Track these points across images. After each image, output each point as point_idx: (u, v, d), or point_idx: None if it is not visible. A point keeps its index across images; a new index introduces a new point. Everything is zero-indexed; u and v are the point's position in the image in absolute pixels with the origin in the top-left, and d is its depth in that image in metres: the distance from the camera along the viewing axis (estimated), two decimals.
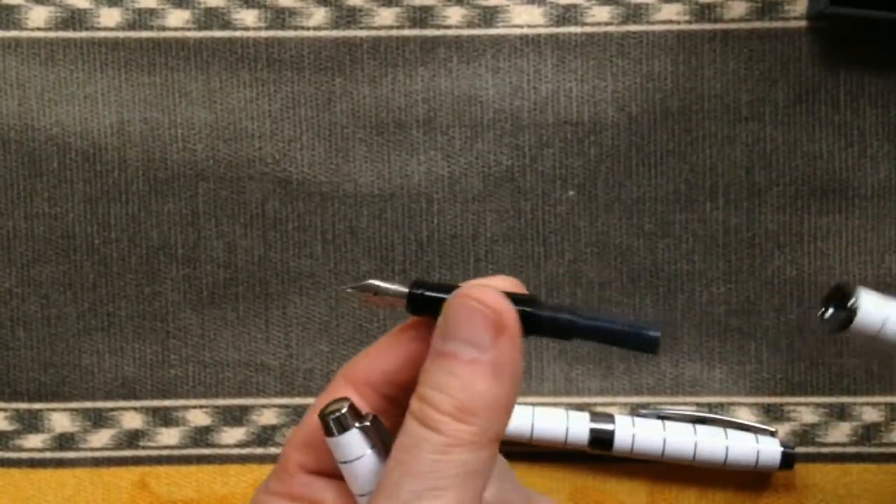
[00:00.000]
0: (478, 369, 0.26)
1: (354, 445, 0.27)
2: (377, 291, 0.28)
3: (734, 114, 0.45)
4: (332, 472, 0.29)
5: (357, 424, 0.27)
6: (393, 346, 0.29)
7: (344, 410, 0.27)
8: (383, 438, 0.28)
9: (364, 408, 0.28)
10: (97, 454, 0.45)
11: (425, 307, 0.27)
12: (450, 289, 0.27)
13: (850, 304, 0.34)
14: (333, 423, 0.27)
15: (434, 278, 0.45)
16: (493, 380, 0.26)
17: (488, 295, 0.26)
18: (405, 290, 0.28)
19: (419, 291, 0.27)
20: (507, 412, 0.26)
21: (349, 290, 0.28)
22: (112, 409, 0.46)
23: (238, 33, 0.45)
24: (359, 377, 0.29)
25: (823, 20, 0.44)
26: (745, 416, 0.45)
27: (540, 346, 0.45)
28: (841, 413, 0.45)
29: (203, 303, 0.45)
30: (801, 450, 0.45)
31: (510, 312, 0.26)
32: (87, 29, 0.45)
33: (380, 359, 0.29)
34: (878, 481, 0.45)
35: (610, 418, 0.44)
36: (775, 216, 0.45)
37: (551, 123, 0.45)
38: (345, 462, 0.27)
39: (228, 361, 0.45)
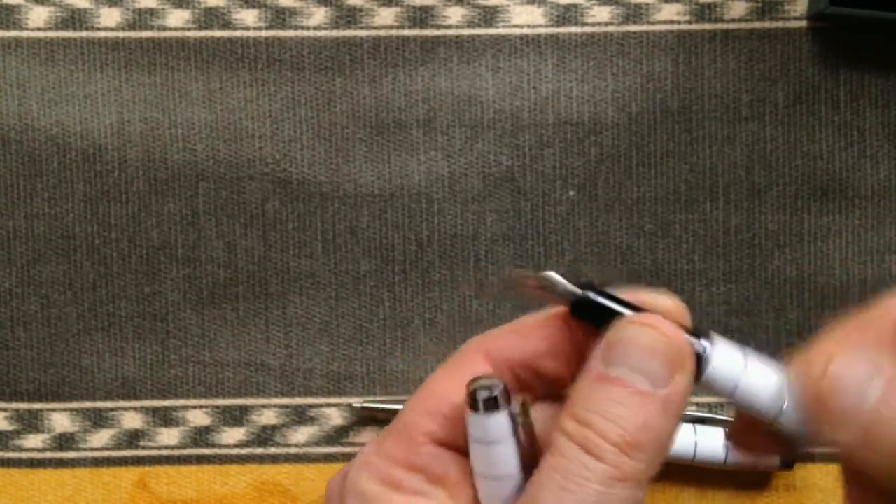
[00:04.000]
0: (650, 403, 0.25)
1: (498, 428, 0.26)
2: (547, 286, 0.26)
3: (734, 114, 0.45)
4: (460, 445, 0.27)
5: (509, 410, 0.26)
6: (539, 332, 0.28)
7: (499, 392, 0.26)
8: (526, 426, 0.26)
9: None
10: (97, 454, 0.45)
11: (588, 314, 0.26)
12: (619, 303, 0.26)
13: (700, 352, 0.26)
14: (485, 403, 0.26)
15: (434, 278, 0.45)
16: (664, 416, 0.25)
17: (670, 328, 0.25)
18: (577, 291, 0.26)
19: (589, 298, 0.26)
20: (666, 453, 0.25)
21: (518, 274, 0.27)
22: (112, 409, 0.46)
23: (238, 33, 0.45)
24: (500, 355, 0.28)
25: (823, 20, 0.44)
26: None
27: None
28: None
29: (203, 303, 0.45)
30: None
31: (689, 350, 0.25)
32: (87, 29, 0.45)
33: (525, 342, 0.28)
34: None
35: None
36: (775, 216, 0.45)
37: (551, 123, 0.45)
38: (480, 442, 0.26)
39: (228, 361, 0.45)
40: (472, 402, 0.26)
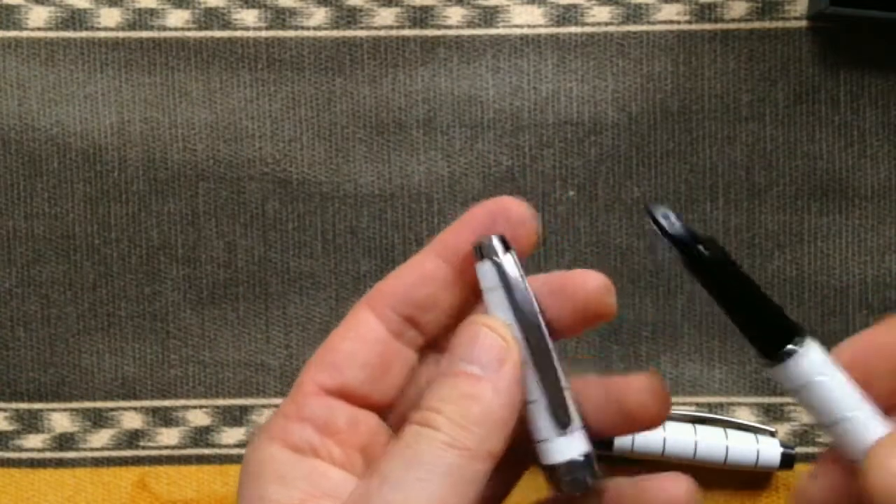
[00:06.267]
0: (480, 384, 0.27)
1: (505, 268, 0.28)
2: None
3: (734, 114, 0.45)
4: (352, 392, 0.29)
5: (510, 254, 0.28)
6: (416, 271, 0.30)
7: (496, 239, 0.29)
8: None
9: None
10: (97, 454, 0.45)
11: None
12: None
13: (789, 347, 0.27)
14: (485, 249, 0.28)
15: None
16: (495, 396, 0.27)
17: (497, 324, 0.28)
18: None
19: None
20: (503, 432, 0.27)
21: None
22: (112, 409, 0.46)
23: (238, 33, 0.45)
24: (382, 302, 0.30)
25: (823, 20, 0.44)
26: (745, 416, 0.45)
27: None
28: None
29: (203, 303, 0.45)
30: (800, 450, 0.45)
31: (515, 344, 0.28)
32: (87, 29, 0.45)
33: (404, 283, 0.30)
34: None
35: None
36: (775, 216, 0.45)
37: (551, 123, 0.45)
38: (493, 289, 0.28)
39: (228, 361, 0.45)
40: (478, 253, 0.29)
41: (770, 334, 0.28)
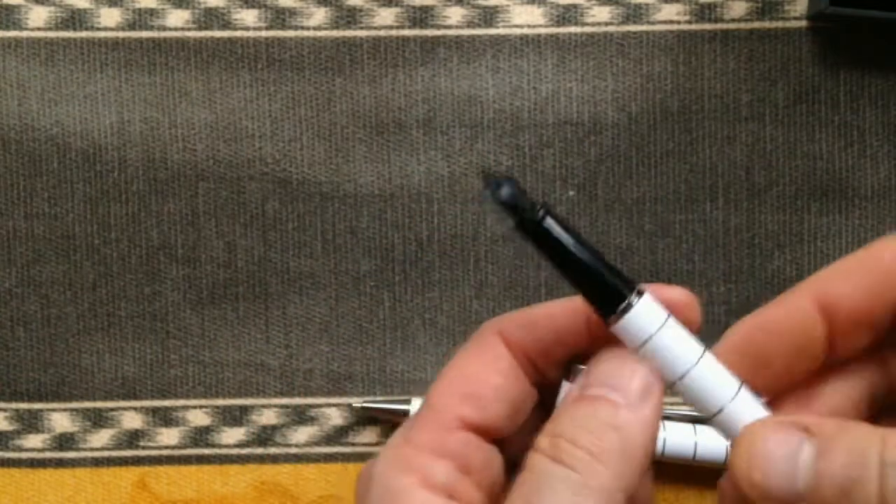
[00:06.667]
0: (622, 411, 0.25)
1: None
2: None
3: (734, 114, 0.45)
4: (489, 429, 0.27)
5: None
6: (559, 321, 0.28)
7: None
8: None
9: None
10: (97, 454, 0.45)
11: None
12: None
13: (626, 301, 0.26)
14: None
15: (434, 278, 0.45)
16: (639, 428, 0.25)
17: (644, 361, 0.26)
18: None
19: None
20: (642, 468, 0.25)
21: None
22: (112, 409, 0.46)
23: (238, 33, 0.45)
24: (519, 342, 0.28)
25: (823, 20, 0.44)
26: None
27: None
28: None
29: (203, 303, 0.45)
30: None
31: (661, 382, 0.26)
32: (87, 29, 0.45)
33: (545, 332, 0.28)
34: None
35: None
36: (775, 216, 0.45)
37: (551, 123, 0.45)
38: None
39: (228, 361, 0.45)
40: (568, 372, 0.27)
41: (601, 299, 0.26)
